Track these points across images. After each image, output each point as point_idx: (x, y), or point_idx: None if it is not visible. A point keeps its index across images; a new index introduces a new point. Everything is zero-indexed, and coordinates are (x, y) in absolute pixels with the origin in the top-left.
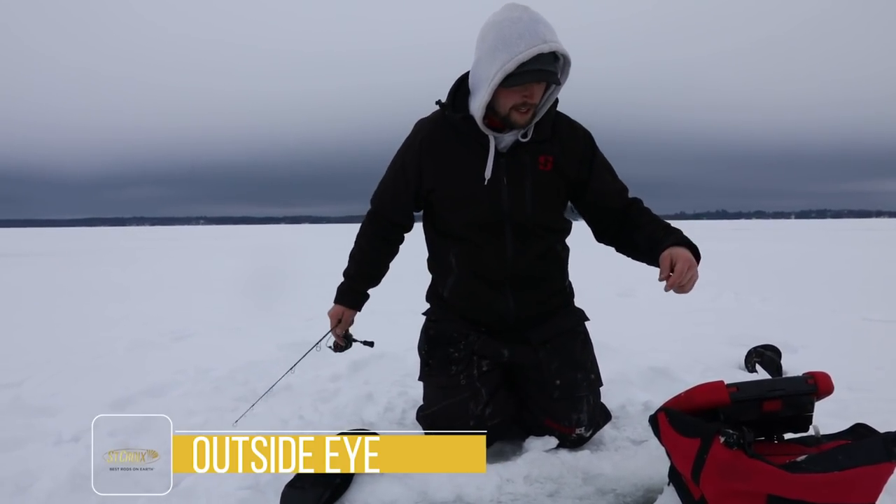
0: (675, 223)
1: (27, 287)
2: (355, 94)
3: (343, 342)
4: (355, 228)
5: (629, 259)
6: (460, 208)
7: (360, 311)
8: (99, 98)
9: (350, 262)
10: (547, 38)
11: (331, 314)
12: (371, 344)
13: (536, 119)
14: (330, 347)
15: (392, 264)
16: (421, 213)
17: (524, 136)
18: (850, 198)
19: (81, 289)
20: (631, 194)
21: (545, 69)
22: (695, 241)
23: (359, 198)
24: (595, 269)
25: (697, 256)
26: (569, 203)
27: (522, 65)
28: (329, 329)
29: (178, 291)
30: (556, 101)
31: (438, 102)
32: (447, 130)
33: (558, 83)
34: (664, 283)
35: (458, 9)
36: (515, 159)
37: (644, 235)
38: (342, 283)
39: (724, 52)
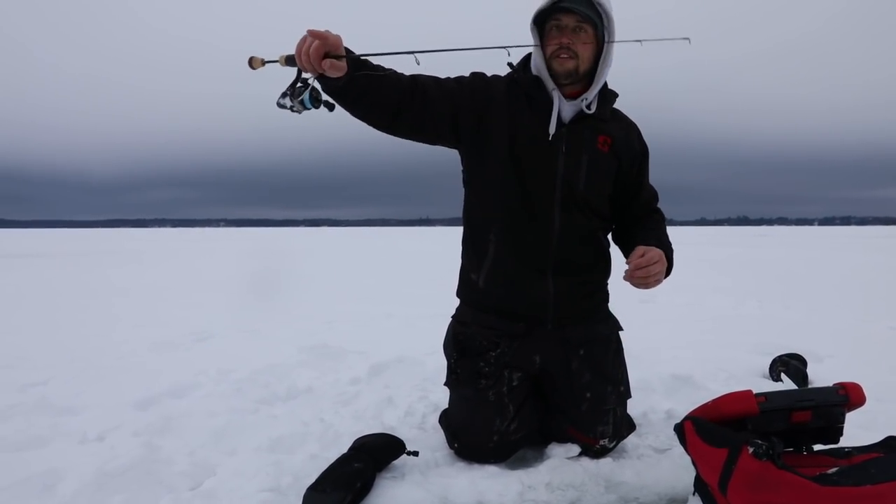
0: (695, 229)
1: (51, 287)
2: None
3: (302, 81)
4: (374, 231)
5: None
6: (515, 167)
7: (345, 67)
8: (118, 104)
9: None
10: None
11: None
12: (332, 107)
13: (595, 88)
14: (285, 103)
15: (408, 270)
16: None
17: (588, 107)
18: (874, 204)
19: (105, 289)
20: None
21: (576, 7)
22: (717, 246)
23: (378, 201)
24: (616, 275)
25: (670, 265)
26: None
27: (556, 2)
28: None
29: (199, 293)
30: (615, 94)
31: (510, 64)
32: (516, 91)
33: (592, 23)
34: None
35: (467, 10)
36: (576, 131)
37: (637, 232)
38: None
39: (748, 54)
